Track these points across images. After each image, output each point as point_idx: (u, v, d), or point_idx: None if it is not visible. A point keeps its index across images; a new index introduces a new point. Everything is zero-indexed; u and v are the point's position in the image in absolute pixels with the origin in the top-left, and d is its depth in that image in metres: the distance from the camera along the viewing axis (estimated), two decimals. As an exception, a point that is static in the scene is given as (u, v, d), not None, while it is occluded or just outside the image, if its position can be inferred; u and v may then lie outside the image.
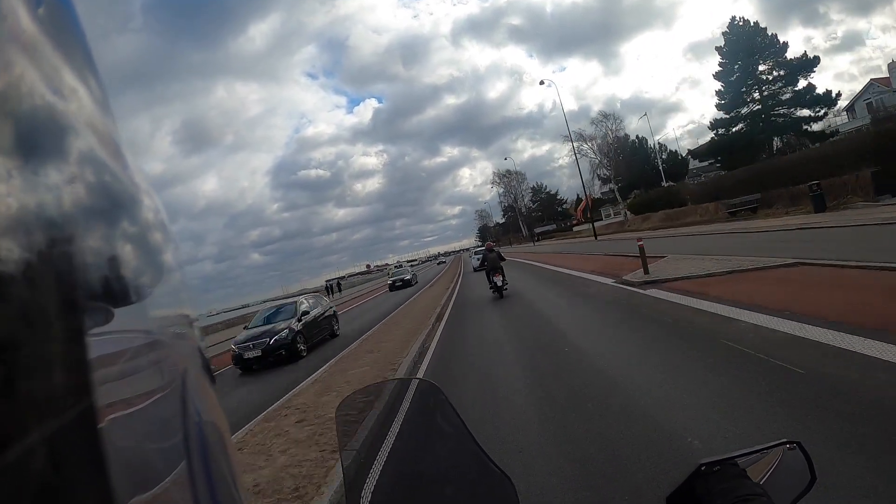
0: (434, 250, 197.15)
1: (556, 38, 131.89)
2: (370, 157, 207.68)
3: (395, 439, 0.76)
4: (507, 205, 79.17)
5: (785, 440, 0.57)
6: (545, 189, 77.99)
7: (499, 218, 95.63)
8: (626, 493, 2.16)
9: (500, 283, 10.27)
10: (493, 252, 10.76)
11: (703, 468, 0.54)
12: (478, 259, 14.98)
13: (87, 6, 0.23)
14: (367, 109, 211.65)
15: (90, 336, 0.17)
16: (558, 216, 71.42)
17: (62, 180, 0.17)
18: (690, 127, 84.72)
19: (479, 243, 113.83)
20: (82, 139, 0.19)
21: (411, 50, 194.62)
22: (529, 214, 74.69)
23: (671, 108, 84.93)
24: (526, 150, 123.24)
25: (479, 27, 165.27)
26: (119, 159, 0.23)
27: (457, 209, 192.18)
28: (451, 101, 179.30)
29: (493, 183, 77.28)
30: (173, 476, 0.22)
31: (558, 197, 74.44)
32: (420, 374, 5.29)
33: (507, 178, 77.49)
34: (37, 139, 0.17)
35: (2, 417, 0.13)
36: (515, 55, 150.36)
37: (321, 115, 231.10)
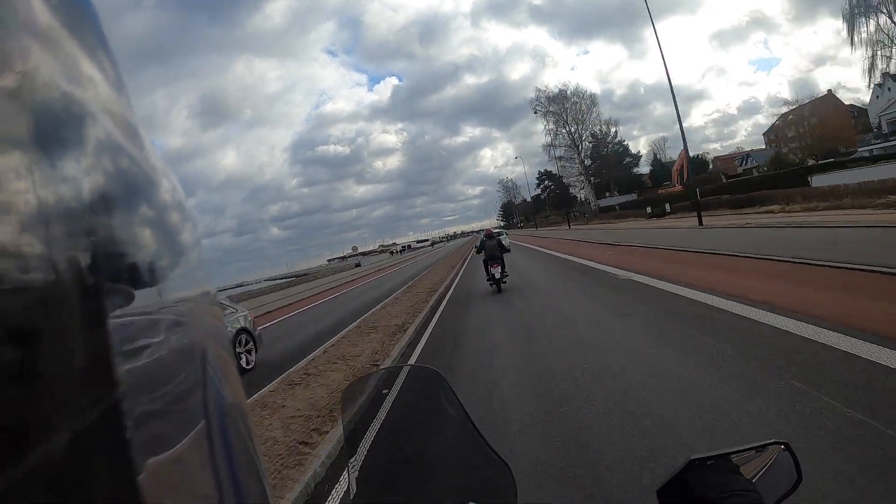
0: (454, 230, 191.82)
1: (579, 20, 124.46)
2: (390, 135, 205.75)
3: (396, 424, 0.79)
4: (558, 154, 59.40)
5: (774, 440, 0.60)
6: (612, 136, 58.45)
7: (529, 193, 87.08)
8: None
9: (497, 276, 9.75)
10: (492, 240, 10.05)
11: (695, 463, 0.56)
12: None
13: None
14: (388, 87, 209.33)
15: (111, 319, 0.18)
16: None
17: (80, 168, 0.18)
18: (716, 116, 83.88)
19: (503, 221, 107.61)
20: (100, 125, 0.20)
21: (430, 28, 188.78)
22: (587, 172, 56.07)
23: (696, 96, 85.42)
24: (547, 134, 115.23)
25: (500, 7, 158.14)
26: (136, 141, 0.23)
27: (478, 189, 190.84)
28: (471, 80, 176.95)
29: (535, 110, 59.56)
30: (195, 456, 0.23)
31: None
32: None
33: (561, 104, 58.16)
34: (55, 127, 0.17)
35: (25, 402, 0.14)
36: (537, 36, 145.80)
37: (341, 92, 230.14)
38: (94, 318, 0.17)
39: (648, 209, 34.81)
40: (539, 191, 74.90)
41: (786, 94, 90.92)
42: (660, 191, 46.45)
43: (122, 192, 0.21)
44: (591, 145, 55.88)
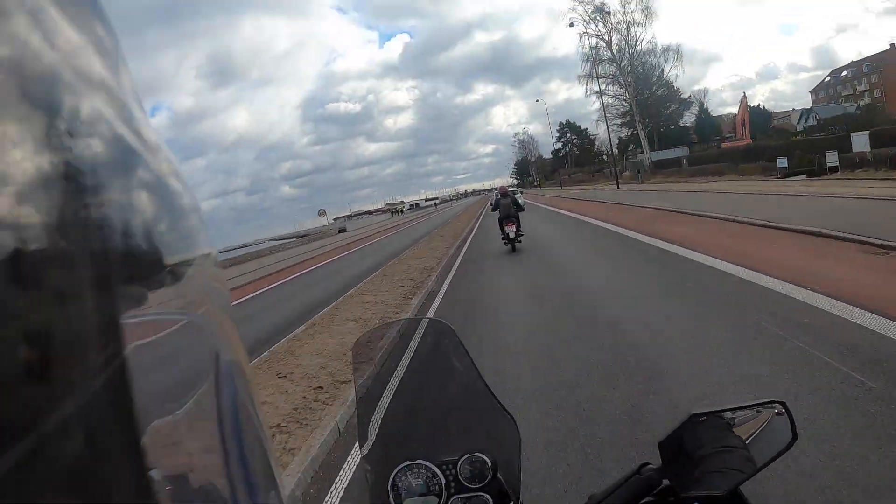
0: (465, 188, 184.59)
1: None
2: (401, 93, 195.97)
3: (405, 374, 0.80)
4: (606, 84, 40.15)
5: (772, 399, 0.61)
6: (658, 73, 41.85)
7: (542, 150, 79.80)
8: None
9: (512, 235, 9.82)
10: (507, 198, 9.97)
11: (695, 418, 0.59)
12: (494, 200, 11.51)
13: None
14: (398, 44, 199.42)
15: (124, 316, 0.18)
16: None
17: (73, 145, 0.17)
18: (734, 79, 79.79)
19: (516, 179, 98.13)
20: (89, 99, 0.19)
21: None
22: (641, 113, 39.72)
23: (713, 59, 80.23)
24: (560, 93, 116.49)
25: None
26: (126, 113, 0.22)
27: (489, 148, 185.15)
28: (483, 38, 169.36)
29: (571, 23, 38.23)
30: (201, 427, 0.23)
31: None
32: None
33: (604, 21, 39.71)
34: (47, 105, 0.17)
35: (38, 401, 0.14)
36: None
37: (352, 49, 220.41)
38: (105, 313, 0.17)
39: (782, 162, 20.38)
40: (559, 145, 65.57)
41: (806, 60, 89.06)
42: (724, 144, 37.56)
43: (115, 167, 0.20)
44: (630, 82, 39.39)
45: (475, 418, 0.72)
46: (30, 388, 0.14)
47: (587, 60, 39.34)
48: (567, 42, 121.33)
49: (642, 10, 38.55)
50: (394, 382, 0.78)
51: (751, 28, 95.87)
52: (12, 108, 0.15)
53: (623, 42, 38.84)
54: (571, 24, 37.78)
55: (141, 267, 0.20)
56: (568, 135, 67.72)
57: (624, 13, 38.91)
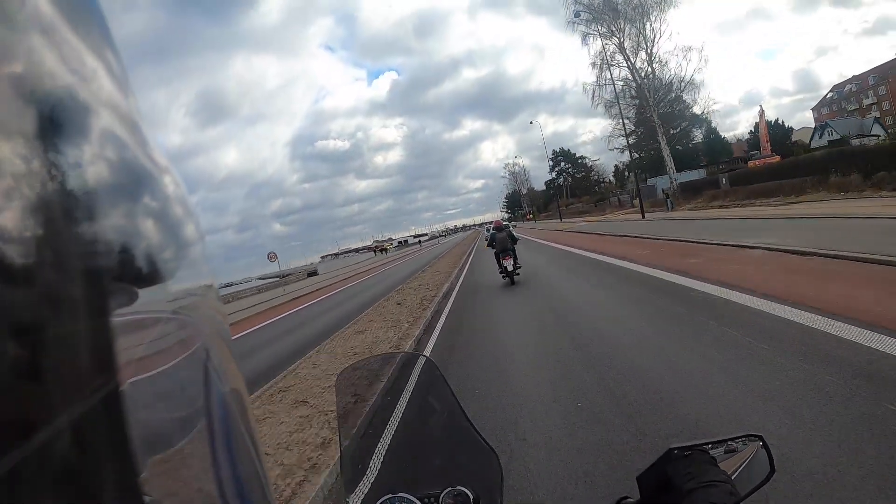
0: (456, 223, 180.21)
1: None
2: (390, 130, 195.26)
3: (387, 408, 0.84)
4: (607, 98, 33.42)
5: (750, 433, 0.62)
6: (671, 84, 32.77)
7: (526, 186, 77.76)
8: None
9: (510, 268, 9.74)
10: (502, 231, 10.09)
11: (674, 452, 0.58)
12: (489, 235, 11.10)
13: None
14: (387, 82, 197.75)
15: (114, 316, 0.18)
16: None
17: (83, 162, 0.18)
18: (717, 107, 72.11)
19: (507, 213, 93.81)
20: (103, 119, 0.20)
21: (427, 22, 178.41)
22: (663, 128, 31.39)
23: (696, 86, 66.67)
24: (548, 126, 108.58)
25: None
26: (139, 137, 0.23)
27: (479, 182, 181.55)
28: (470, 74, 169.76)
29: (577, 13, 29.97)
30: (196, 448, 0.23)
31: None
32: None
33: (613, 19, 30.70)
34: (59, 122, 0.17)
35: (29, 400, 0.14)
36: (536, 27, 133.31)
37: (341, 88, 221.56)
38: (97, 313, 0.17)
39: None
40: (553, 174, 60.76)
41: (788, 84, 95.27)
42: (752, 163, 32.50)
43: (124, 186, 0.21)
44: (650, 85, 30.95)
45: (457, 452, 0.73)
46: (23, 391, 0.14)
47: (596, 66, 31.34)
48: (552, 76, 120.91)
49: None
50: (377, 416, 0.84)
51: (731, 55, 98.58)
52: (21, 118, 0.15)
53: (640, 37, 30.10)
54: (577, 15, 29.91)
55: (141, 291, 0.20)
56: (562, 164, 63.35)
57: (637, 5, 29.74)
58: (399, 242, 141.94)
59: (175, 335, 0.23)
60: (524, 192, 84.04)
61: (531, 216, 68.52)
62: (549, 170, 60.15)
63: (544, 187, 68.93)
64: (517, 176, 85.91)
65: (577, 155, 61.62)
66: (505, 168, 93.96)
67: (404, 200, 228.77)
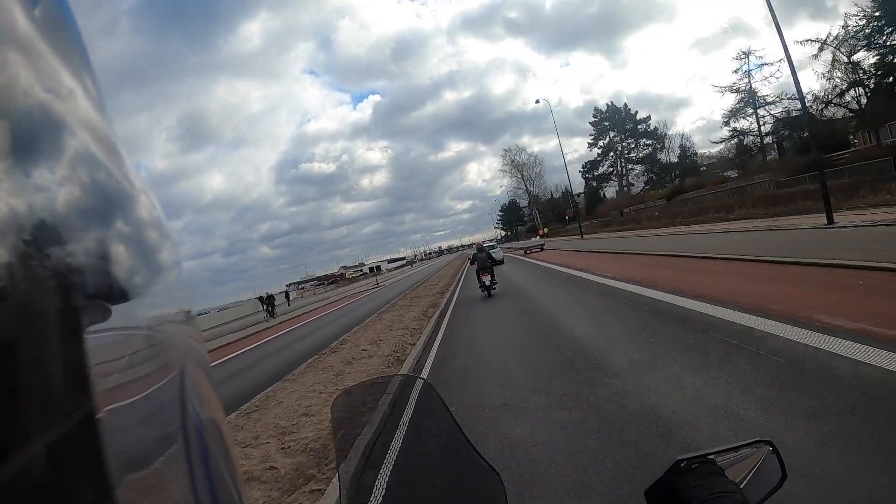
0: (443, 244, 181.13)
1: (557, 33, 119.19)
2: (375, 153, 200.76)
3: (387, 431, 0.97)
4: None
5: (758, 438, 0.61)
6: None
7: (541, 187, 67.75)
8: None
9: (488, 283, 11.33)
10: (482, 252, 12.19)
11: (681, 464, 0.57)
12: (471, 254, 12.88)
13: (77, 6, 0.23)
14: (371, 105, 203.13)
15: (88, 334, 0.18)
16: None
17: (58, 180, 0.18)
18: (700, 123, 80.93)
19: (505, 233, 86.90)
20: (78, 138, 0.20)
21: (407, 46, 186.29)
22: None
23: (680, 104, 79.06)
24: (532, 146, 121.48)
25: (475, 22, 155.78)
26: (115, 158, 0.23)
27: (466, 204, 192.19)
28: (452, 96, 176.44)
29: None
30: (173, 472, 0.23)
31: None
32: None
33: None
34: (32, 139, 0.17)
35: (3, 417, 0.14)
36: (516, 49, 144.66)
37: (325, 111, 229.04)
38: (70, 332, 0.17)
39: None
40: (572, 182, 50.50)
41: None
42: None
43: (98, 206, 0.21)
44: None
45: (460, 473, 0.72)
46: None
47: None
48: (535, 96, 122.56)
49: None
50: (374, 439, 0.93)
51: (713, 71, 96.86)
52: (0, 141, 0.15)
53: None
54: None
55: (115, 311, 0.20)
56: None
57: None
58: (371, 269, 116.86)
59: (151, 358, 0.23)
60: (534, 192, 66.43)
61: (544, 230, 52.26)
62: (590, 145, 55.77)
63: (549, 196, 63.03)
64: (526, 167, 68.13)
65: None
66: (504, 155, 72.90)
67: (392, 222, 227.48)
